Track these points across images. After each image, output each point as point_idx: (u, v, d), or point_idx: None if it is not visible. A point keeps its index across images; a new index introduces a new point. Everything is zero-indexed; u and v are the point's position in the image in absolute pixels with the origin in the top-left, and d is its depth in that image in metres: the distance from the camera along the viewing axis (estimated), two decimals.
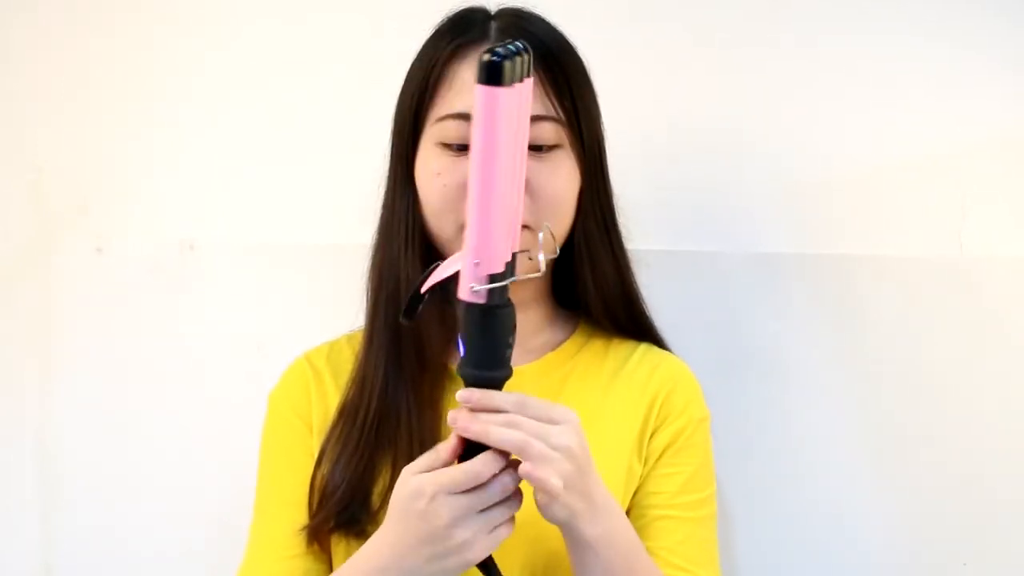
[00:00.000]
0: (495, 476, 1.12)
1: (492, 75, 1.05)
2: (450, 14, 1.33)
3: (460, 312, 1.12)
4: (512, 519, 1.14)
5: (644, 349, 1.39)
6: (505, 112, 1.06)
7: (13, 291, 1.75)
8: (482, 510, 1.12)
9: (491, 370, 1.13)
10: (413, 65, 1.32)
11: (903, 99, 1.55)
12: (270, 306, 1.69)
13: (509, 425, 1.11)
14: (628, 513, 1.33)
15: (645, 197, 1.54)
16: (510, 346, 1.13)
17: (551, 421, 1.13)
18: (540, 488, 1.12)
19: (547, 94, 1.28)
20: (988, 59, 1.52)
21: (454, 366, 1.29)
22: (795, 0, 1.59)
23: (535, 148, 1.27)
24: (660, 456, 1.33)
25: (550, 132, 1.28)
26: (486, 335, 1.12)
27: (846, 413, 1.57)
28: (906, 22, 1.55)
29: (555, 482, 1.11)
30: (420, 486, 1.12)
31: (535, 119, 1.26)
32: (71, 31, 1.73)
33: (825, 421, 1.58)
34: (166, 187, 1.72)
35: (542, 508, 1.14)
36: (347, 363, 1.35)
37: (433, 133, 1.29)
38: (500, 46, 1.06)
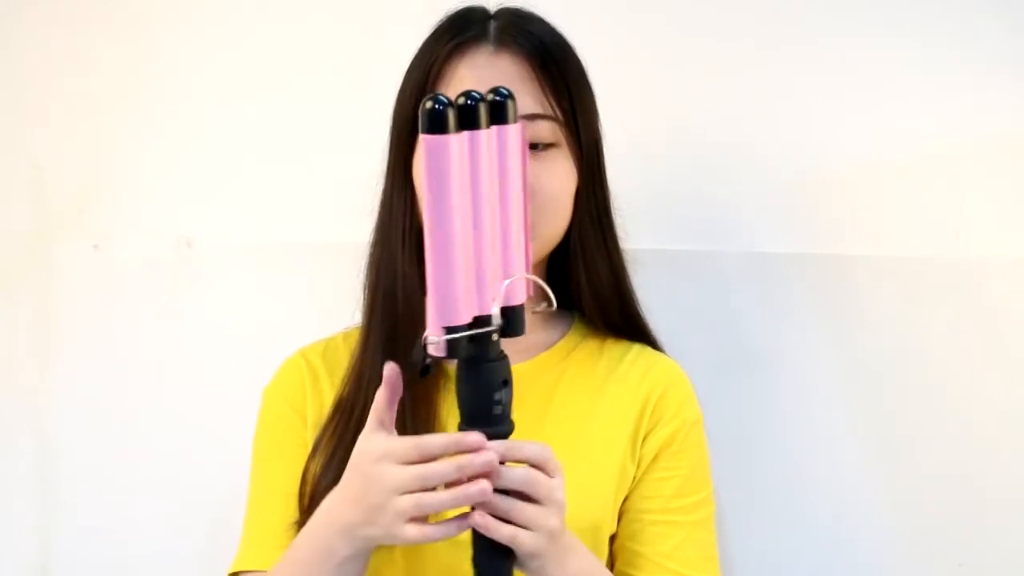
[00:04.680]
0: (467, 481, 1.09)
1: (434, 124, 1.03)
2: (450, 13, 1.34)
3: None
4: (456, 525, 1.11)
5: (638, 350, 1.39)
6: (455, 160, 1.04)
7: (12, 288, 1.75)
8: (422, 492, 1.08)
9: (484, 427, 1.09)
10: (412, 63, 1.33)
11: (902, 100, 1.55)
12: (268, 303, 1.69)
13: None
14: (622, 517, 1.33)
15: (644, 197, 1.54)
16: (499, 403, 1.10)
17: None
18: (513, 543, 1.10)
19: (544, 93, 1.28)
20: (987, 60, 1.52)
21: (449, 365, 1.30)
22: (795, 1, 1.58)
23: (532, 147, 1.28)
24: (654, 460, 1.33)
25: (547, 131, 1.29)
26: (472, 390, 1.09)
27: (844, 413, 1.57)
28: (905, 23, 1.55)
29: (531, 544, 1.10)
30: (370, 446, 1.11)
31: (532, 117, 1.27)
32: (71, 30, 1.74)
33: (823, 421, 1.58)
34: (164, 185, 1.72)
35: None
36: (343, 360, 1.35)
37: None
38: (441, 95, 1.04)
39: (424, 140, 1.04)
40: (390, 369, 1.12)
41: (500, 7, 1.34)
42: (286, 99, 1.69)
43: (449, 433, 1.10)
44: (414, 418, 1.28)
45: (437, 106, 1.03)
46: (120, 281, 1.73)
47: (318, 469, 1.29)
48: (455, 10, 1.34)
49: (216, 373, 1.70)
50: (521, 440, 1.11)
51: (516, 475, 1.10)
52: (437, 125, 1.03)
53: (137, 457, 1.73)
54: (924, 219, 1.54)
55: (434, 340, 1.06)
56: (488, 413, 1.09)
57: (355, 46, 1.67)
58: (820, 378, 1.58)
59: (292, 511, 1.30)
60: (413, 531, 1.09)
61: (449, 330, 1.06)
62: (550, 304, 1.20)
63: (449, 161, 1.04)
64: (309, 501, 1.29)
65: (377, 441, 1.11)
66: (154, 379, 1.72)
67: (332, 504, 1.16)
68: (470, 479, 1.08)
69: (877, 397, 1.57)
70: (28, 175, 1.75)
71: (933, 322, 1.54)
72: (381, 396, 1.13)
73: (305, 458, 1.31)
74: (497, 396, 1.09)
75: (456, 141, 1.04)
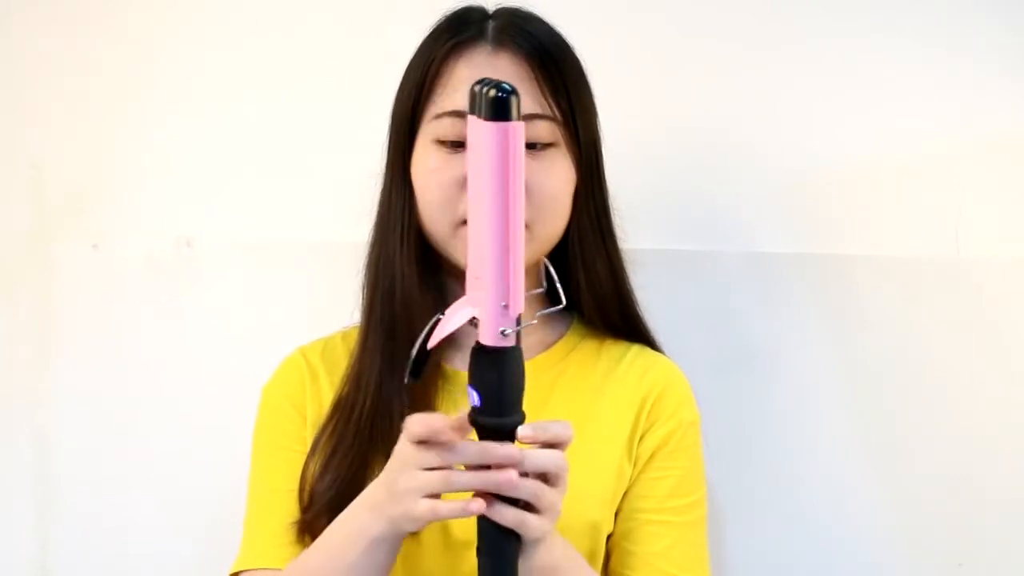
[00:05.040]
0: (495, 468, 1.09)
1: (502, 110, 1.02)
2: (448, 13, 1.34)
3: (475, 361, 1.09)
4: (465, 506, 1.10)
5: (637, 351, 1.39)
6: (516, 148, 1.03)
7: (11, 287, 1.75)
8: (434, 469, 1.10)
9: (513, 415, 1.10)
10: (410, 63, 1.33)
11: (901, 100, 1.55)
12: (266, 303, 1.69)
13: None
14: (617, 516, 1.33)
15: (643, 197, 1.54)
16: (523, 388, 1.11)
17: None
18: (523, 528, 1.11)
19: (543, 93, 1.28)
20: (986, 61, 1.53)
21: (448, 365, 1.30)
22: (794, 1, 1.58)
23: (530, 146, 1.27)
24: (649, 459, 1.33)
25: (545, 131, 1.28)
26: (509, 379, 1.09)
27: (843, 413, 1.57)
28: (905, 23, 1.55)
29: (541, 528, 1.11)
30: (408, 420, 1.12)
31: (531, 117, 1.27)
32: (70, 28, 1.74)
33: (822, 421, 1.58)
34: (163, 184, 1.72)
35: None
36: (341, 360, 1.35)
37: (429, 130, 1.29)
38: (504, 83, 1.03)
39: (489, 128, 1.02)
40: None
41: (498, 7, 1.34)
42: (285, 99, 1.69)
43: (450, 418, 1.10)
44: (400, 419, 1.25)
45: (501, 93, 1.02)
46: (120, 281, 1.72)
47: (317, 469, 1.29)
48: (453, 10, 1.34)
49: (215, 372, 1.70)
50: (545, 420, 1.12)
51: (548, 457, 1.10)
52: (503, 111, 1.02)
53: (136, 457, 1.73)
54: (924, 219, 1.55)
55: (508, 331, 1.07)
56: (519, 401, 1.10)
57: (354, 46, 1.67)
58: (820, 378, 1.58)
59: (293, 509, 1.30)
60: (425, 506, 1.10)
61: (519, 320, 1.07)
62: (558, 302, 1.20)
63: (513, 148, 1.03)
64: (308, 500, 1.29)
65: (414, 420, 1.11)
66: (153, 379, 1.72)
67: (372, 485, 1.18)
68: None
69: (877, 397, 1.57)
70: (27, 174, 1.74)
71: (933, 322, 1.54)
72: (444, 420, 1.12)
73: (305, 455, 1.31)
74: (523, 381, 1.10)
75: (514, 129, 1.03)
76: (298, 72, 1.68)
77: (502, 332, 1.07)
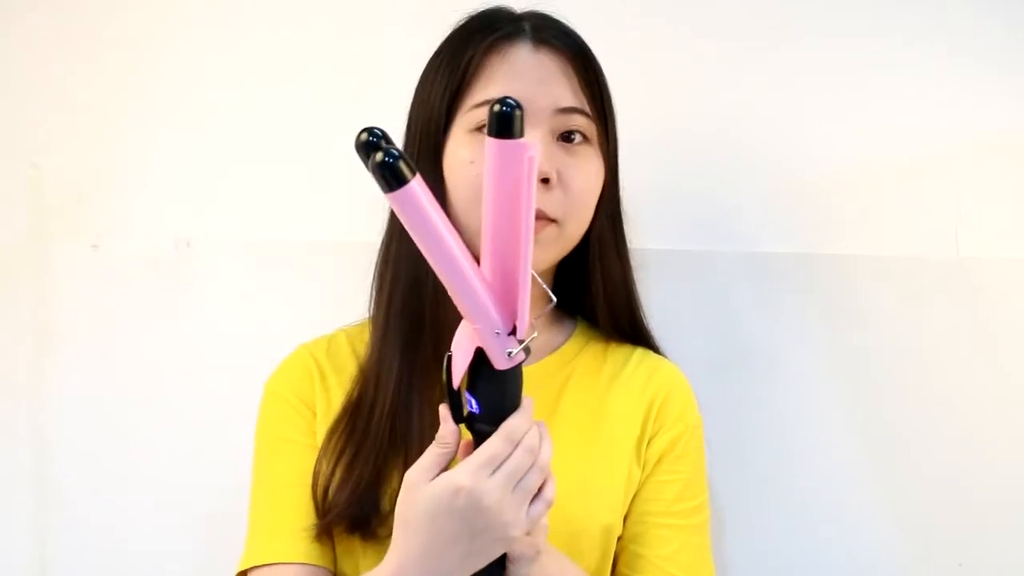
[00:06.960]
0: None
1: (504, 127, 1.02)
2: (473, 13, 1.34)
3: (475, 374, 1.10)
4: (544, 496, 1.12)
5: (641, 354, 1.39)
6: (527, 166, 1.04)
7: (9, 286, 1.74)
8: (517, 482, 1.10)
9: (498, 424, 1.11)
10: (441, 61, 1.31)
11: (901, 100, 1.55)
12: (266, 303, 1.69)
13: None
14: (626, 519, 1.33)
15: (643, 197, 1.53)
16: (520, 394, 1.12)
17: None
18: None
19: (582, 90, 1.29)
20: (986, 61, 1.53)
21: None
22: (794, 2, 1.59)
23: (567, 140, 1.27)
24: (657, 463, 1.33)
25: (583, 125, 1.29)
26: (509, 389, 1.11)
27: (843, 412, 1.58)
28: (905, 24, 1.56)
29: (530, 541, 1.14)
30: (454, 482, 1.09)
31: (570, 111, 1.28)
32: (70, 28, 1.73)
33: (821, 421, 1.58)
34: (163, 184, 1.72)
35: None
36: (347, 360, 1.34)
37: (466, 121, 1.28)
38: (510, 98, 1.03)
39: (501, 145, 1.03)
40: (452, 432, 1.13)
41: (526, 9, 1.34)
42: (285, 99, 1.68)
43: (517, 417, 1.11)
44: (433, 422, 1.25)
45: (505, 108, 1.02)
46: (119, 280, 1.72)
47: (331, 471, 1.27)
48: (480, 10, 1.34)
49: (215, 372, 1.70)
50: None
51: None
52: (506, 128, 1.03)
53: (135, 456, 1.72)
54: (923, 219, 1.55)
55: (514, 350, 1.08)
56: (515, 408, 1.11)
57: (354, 46, 1.67)
58: (819, 378, 1.59)
59: (304, 503, 1.28)
60: (522, 523, 1.11)
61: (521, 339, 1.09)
62: (550, 301, 1.20)
63: (529, 167, 1.03)
64: (327, 506, 1.26)
65: (458, 475, 1.09)
66: (152, 378, 1.72)
67: (411, 568, 1.13)
68: None
69: (876, 397, 1.57)
70: (26, 174, 1.74)
71: (932, 322, 1.54)
72: (456, 442, 1.12)
73: (316, 449, 1.29)
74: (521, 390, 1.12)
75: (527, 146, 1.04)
76: (297, 72, 1.68)
77: (509, 354, 1.08)
